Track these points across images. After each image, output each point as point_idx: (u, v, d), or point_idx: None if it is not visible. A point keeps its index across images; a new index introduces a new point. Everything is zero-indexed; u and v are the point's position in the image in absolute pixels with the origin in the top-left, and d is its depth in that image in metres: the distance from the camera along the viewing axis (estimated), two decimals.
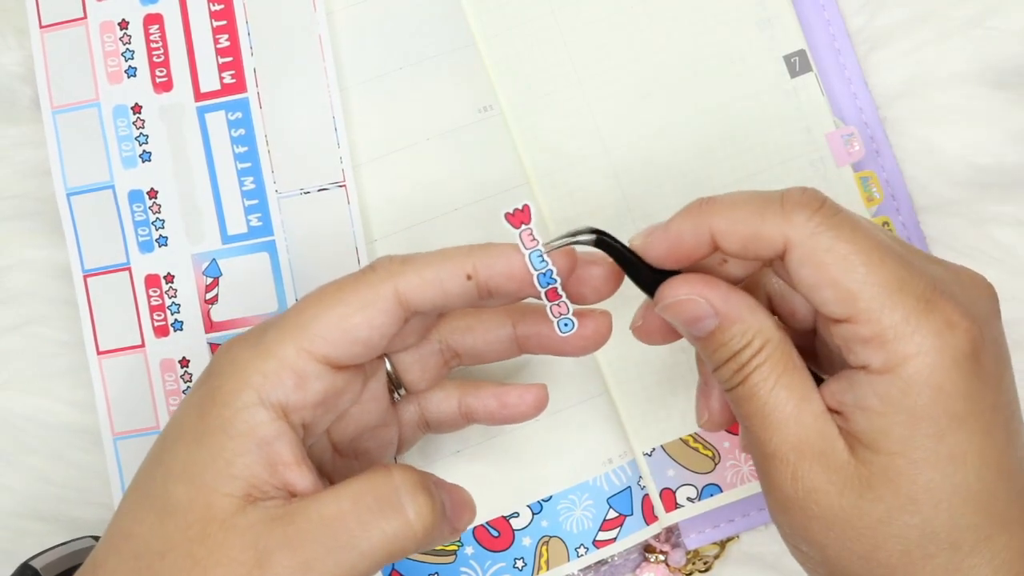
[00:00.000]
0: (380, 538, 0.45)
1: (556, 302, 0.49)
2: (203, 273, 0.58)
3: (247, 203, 0.58)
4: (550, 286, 0.49)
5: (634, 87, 0.60)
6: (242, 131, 0.58)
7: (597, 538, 0.60)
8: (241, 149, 0.58)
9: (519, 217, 0.49)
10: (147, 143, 0.58)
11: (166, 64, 0.58)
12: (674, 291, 0.48)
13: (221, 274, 0.58)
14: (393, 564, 0.59)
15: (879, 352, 0.45)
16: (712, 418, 0.51)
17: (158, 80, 0.58)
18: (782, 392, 0.47)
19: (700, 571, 0.61)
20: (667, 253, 0.48)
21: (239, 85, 0.58)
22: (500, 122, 0.60)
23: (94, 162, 0.59)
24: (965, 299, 0.47)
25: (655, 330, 0.51)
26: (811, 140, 0.60)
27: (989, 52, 0.62)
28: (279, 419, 0.47)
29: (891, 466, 0.46)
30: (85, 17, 0.59)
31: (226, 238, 0.58)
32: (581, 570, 0.60)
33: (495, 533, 0.59)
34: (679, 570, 0.60)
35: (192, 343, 0.58)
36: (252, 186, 0.58)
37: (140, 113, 0.58)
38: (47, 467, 0.60)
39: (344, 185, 0.58)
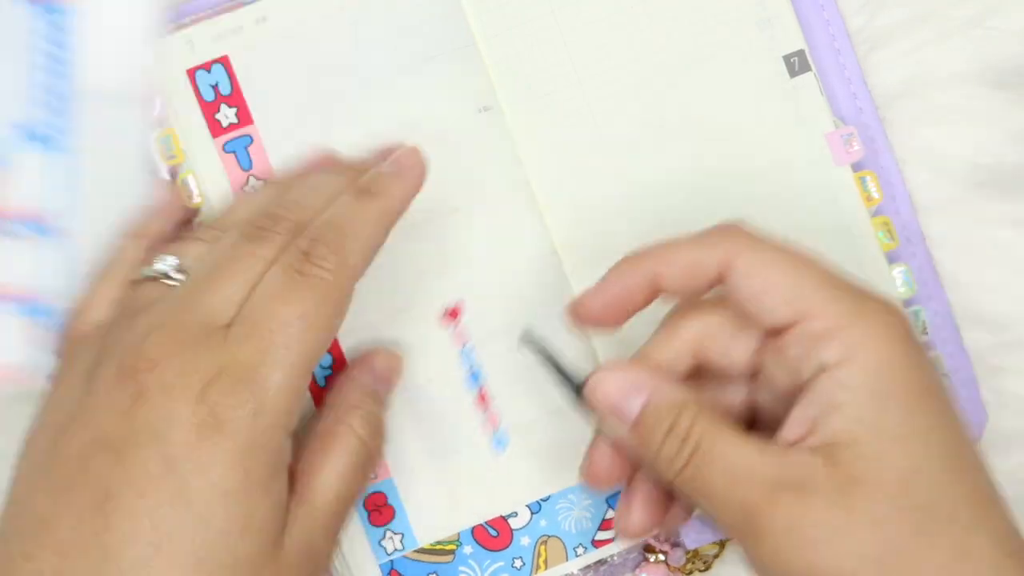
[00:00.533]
0: None
1: (486, 406, 0.56)
2: None
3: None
4: (480, 386, 0.56)
5: (634, 87, 0.60)
6: None
7: (596, 538, 0.60)
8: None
9: (453, 313, 0.56)
10: None
11: None
12: (604, 373, 0.51)
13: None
14: (392, 564, 0.59)
15: (835, 344, 0.47)
16: (596, 469, 0.53)
17: None
18: (737, 446, 0.48)
19: (700, 570, 0.61)
20: (602, 304, 0.52)
21: None
22: (500, 122, 0.60)
23: None
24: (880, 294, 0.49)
25: (603, 471, 0.53)
26: (810, 140, 0.60)
27: (989, 52, 0.62)
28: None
29: (875, 452, 0.46)
30: None
31: None
32: (581, 569, 0.60)
33: (493, 533, 0.59)
34: (679, 569, 0.61)
35: None
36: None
37: None
38: None
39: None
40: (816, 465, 0.47)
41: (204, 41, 0.59)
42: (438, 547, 0.59)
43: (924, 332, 0.60)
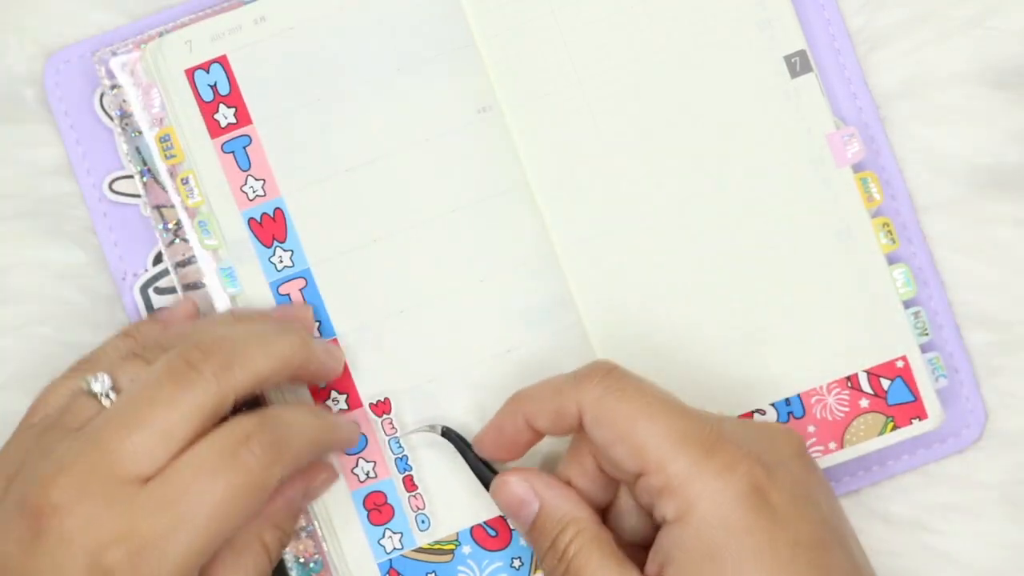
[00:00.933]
0: None
1: (413, 493, 0.59)
2: None
3: None
4: (407, 473, 0.58)
5: (634, 87, 0.60)
6: None
7: None
8: None
9: (381, 408, 0.59)
10: None
11: None
12: (504, 477, 0.54)
13: None
14: (391, 563, 0.59)
15: (671, 501, 0.49)
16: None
17: None
18: (601, 571, 0.51)
19: None
20: (495, 444, 0.56)
21: None
22: (499, 123, 0.60)
23: None
24: (755, 446, 0.50)
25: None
26: (811, 141, 0.60)
27: (989, 52, 0.62)
28: None
29: None
30: None
31: None
32: None
33: (492, 532, 0.59)
34: None
35: None
36: None
37: None
38: None
39: None
40: None
41: (202, 41, 0.59)
42: (437, 547, 0.59)
43: (925, 332, 0.60)
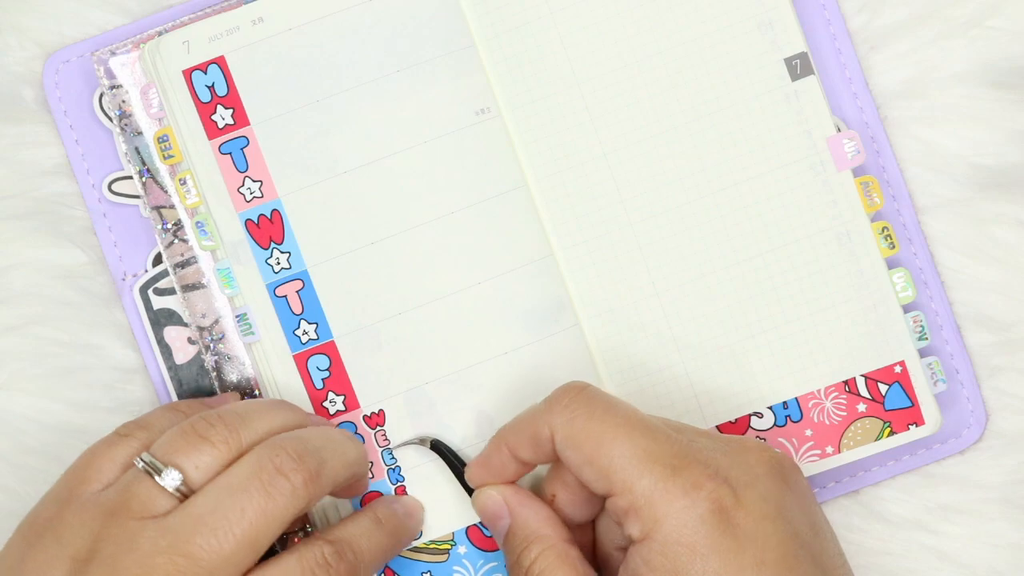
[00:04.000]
0: None
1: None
2: None
3: None
4: (399, 484, 0.59)
5: (633, 89, 0.60)
6: None
7: None
8: None
9: (375, 420, 0.59)
10: None
11: None
12: (482, 491, 0.56)
13: None
14: (387, 563, 0.59)
15: (636, 521, 0.50)
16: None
17: None
18: None
19: None
20: (484, 477, 0.56)
21: None
22: (498, 124, 0.60)
23: None
24: (724, 463, 0.51)
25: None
26: (812, 144, 0.60)
27: (989, 52, 0.62)
28: None
29: None
30: None
31: None
32: None
33: (488, 532, 0.59)
34: None
35: None
36: None
37: None
38: (47, 467, 0.60)
39: None
40: None
41: (200, 42, 0.59)
42: (432, 546, 0.60)
43: (924, 337, 0.60)
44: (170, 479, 0.51)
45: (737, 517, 0.50)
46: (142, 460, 0.52)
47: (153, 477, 0.51)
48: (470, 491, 0.57)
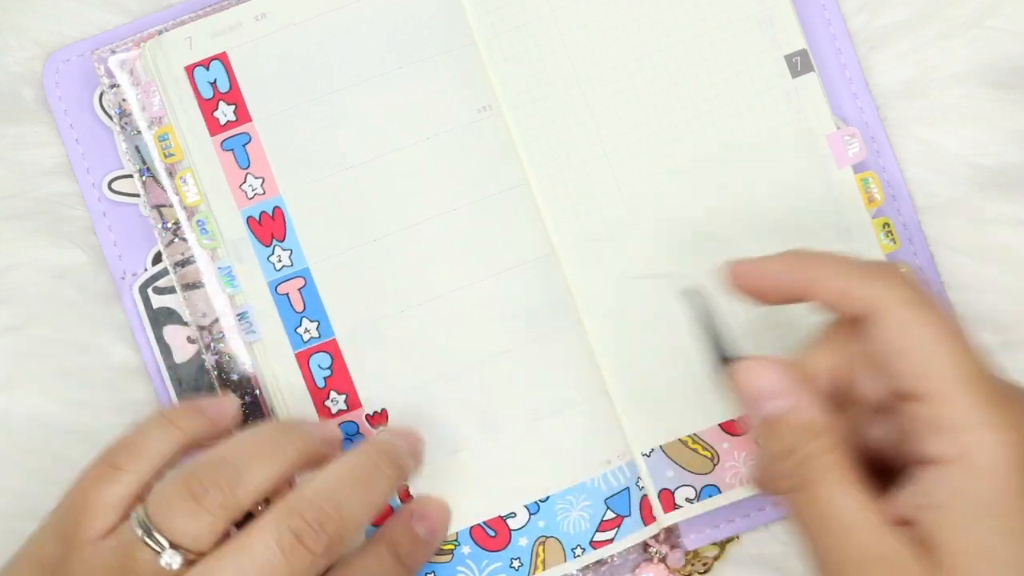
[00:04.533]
0: None
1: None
2: None
3: None
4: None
5: (634, 87, 0.60)
6: None
7: (594, 539, 0.60)
8: None
9: (378, 419, 0.59)
10: None
11: None
12: (755, 362, 0.49)
13: None
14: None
15: (944, 439, 0.45)
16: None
17: None
18: (846, 499, 0.46)
19: (699, 572, 0.61)
20: (756, 283, 0.51)
21: None
22: (500, 122, 0.60)
23: None
24: None
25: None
26: (812, 141, 0.60)
27: (989, 52, 0.62)
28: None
29: (966, 568, 0.44)
30: None
31: None
32: (579, 570, 0.60)
33: (492, 533, 0.59)
34: (678, 571, 0.60)
35: None
36: None
37: None
38: (47, 467, 0.60)
39: None
40: (908, 557, 0.45)
41: (203, 38, 0.59)
42: None
43: None
44: (168, 557, 0.50)
45: None
46: (139, 525, 0.50)
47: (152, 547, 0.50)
48: (723, 358, 0.51)
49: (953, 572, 0.44)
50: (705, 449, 0.59)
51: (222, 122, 0.59)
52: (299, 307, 0.59)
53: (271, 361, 0.59)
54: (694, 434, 0.59)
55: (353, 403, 0.59)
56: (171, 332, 0.61)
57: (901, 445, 0.48)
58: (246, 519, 0.51)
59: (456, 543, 0.59)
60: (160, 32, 0.60)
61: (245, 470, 0.51)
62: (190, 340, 0.61)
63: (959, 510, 0.45)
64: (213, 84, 0.59)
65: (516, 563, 0.59)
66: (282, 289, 0.60)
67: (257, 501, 0.51)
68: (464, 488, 0.59)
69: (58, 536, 0.52)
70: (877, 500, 0.46)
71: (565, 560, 0.59)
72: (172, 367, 0.61)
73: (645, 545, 0.60)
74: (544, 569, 0.59)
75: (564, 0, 0.60)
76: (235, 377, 0.60)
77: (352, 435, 0.59)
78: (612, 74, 0.60)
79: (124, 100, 0.60)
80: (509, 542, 0.59)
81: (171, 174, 0.60)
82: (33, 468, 0.60)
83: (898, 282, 0.47)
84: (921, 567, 0.45)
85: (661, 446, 0.59)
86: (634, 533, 0.60)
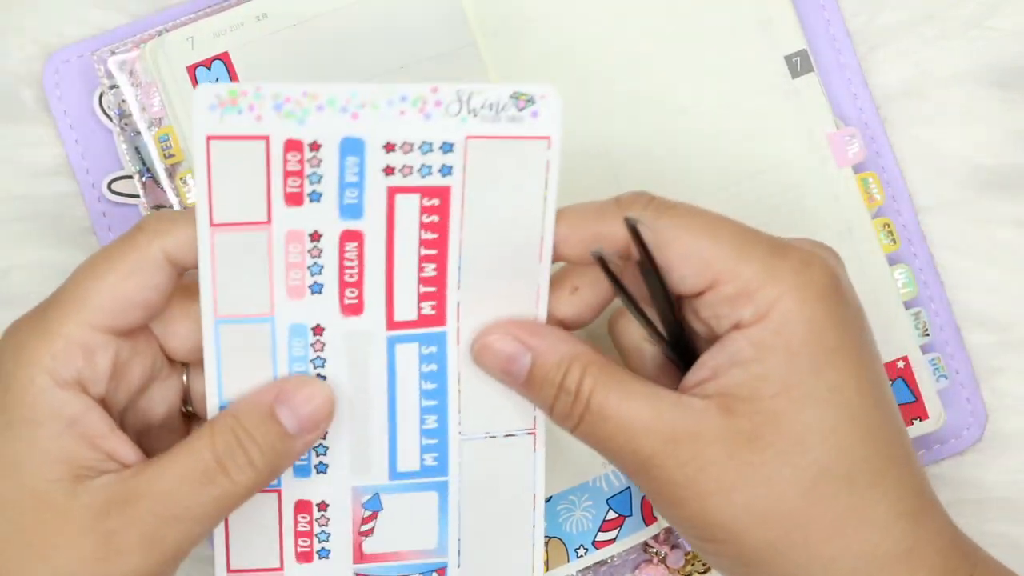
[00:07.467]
0: (211, 503, 0.48)
1: None
2: (362, 505, 0.53)
3: (425, 441, 0.52)
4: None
5: (634, 87, 0.60)
6: (434, 367, 0.52)
7: (597, 539, 0.60)
8: (429, 386, 0.52)
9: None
10: (323, 367, 0.51)
11: (359, 285, 0.51)
12: (483, 340, 0.50)
13: (382, 508, 0.53)
14: None
15: (747, 305, 0.47)
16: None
17: (347, 302, 0.51)
18: (629, 399, 0.47)
19: (699, 572, 0.61)
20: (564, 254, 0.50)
21: (439, 318, 0.51)
22: None
23: (259, 381, 0.51)
24: (809, 248, 0.48)
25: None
26: (812, 141, 0.60)
27: (989, 52, 0.62)
28: (80, 394, 0.48)
29: (773, 409, 0.46)
30: (269, 222, 0.50)
31: (394, 474, 0.53)
32: (580, 571, 0.60)
33: None
34: (678, 571, 0.60)
35: (338, 572, 0.54)
36: (434, 425, 0.52)
37: (321, 336, 0.51)
38: None
39: (534, 432, 0.53)
40: (710, 412, 0.47)
41: (205, 37, 0.59)
42: None
43: (926, 333, 0.60)
44: None
45: (845, 294, 0.48)
46: None
47: None
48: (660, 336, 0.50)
49: (765, 418, 0.46)
50: None
51: None
52: None
53: None
54: None
55: None
56: None
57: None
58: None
59: None
60: (160, 33, 0.60)
61: None
62: None
63: (764, 360, 0.46)
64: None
65: None
66: None
67: None
68: None
69: None
70: (660, 389, 0.48)
71: (568, 560, 0.59)
72: None
73: (645, 545, 0.61)
74: (547, 569, 0.59)
75: (564, 1, 0.60)
76: None
77: None
78: (612, 74, 0.60)
79: (124, 101, 0.60)
80: None
81: (171, 175, 0.60)
82: None
83: (639, 206, 0.48)
84: (728, 421, 0.47)
85: None
86: (635, 533, 0.60)
